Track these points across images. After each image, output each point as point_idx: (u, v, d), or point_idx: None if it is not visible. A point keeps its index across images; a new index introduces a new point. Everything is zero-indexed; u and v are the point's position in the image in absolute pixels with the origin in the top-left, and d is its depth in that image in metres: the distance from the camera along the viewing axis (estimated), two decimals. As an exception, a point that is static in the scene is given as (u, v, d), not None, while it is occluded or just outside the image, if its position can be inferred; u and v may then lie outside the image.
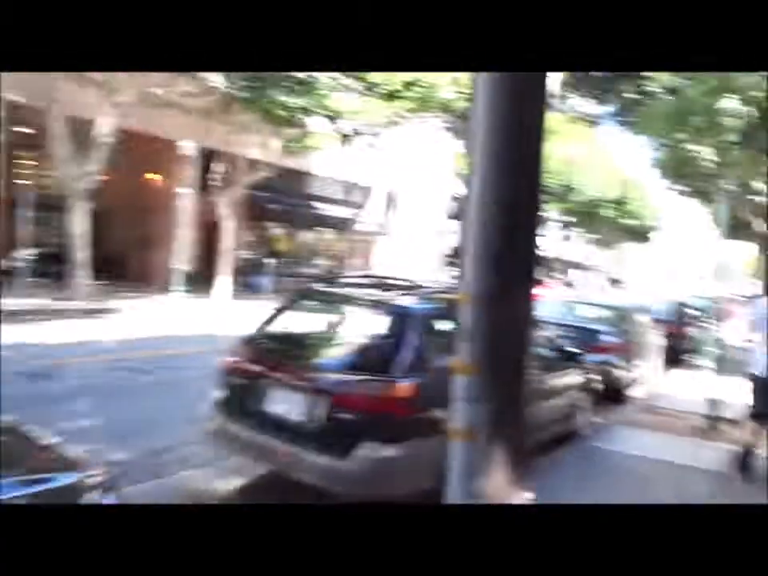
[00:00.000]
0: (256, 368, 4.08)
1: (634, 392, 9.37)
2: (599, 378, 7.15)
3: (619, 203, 34.09)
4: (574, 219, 33.59)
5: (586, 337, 8.69)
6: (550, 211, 29.95)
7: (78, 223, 13.82)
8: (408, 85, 15.62)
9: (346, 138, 17.75)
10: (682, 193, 21.33)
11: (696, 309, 17.00)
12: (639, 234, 41.42)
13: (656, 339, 11.04)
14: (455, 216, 26.23)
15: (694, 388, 9.81)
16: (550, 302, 10.61)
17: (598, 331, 8.74)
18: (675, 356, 13.71)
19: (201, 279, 17.90)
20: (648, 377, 10.67)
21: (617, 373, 8.60)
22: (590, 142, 30.75)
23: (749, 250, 24.86)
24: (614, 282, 43.65)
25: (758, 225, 17.03)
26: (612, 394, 8.48)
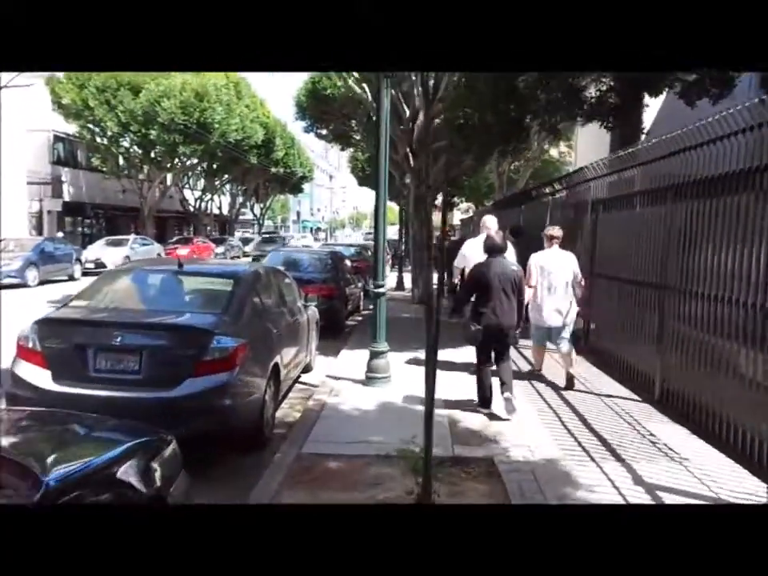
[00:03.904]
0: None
1: (276, 422, 5.76)
2: (212, 423, 4.02)
3: (267, 149, 31.11)
4: (214, 166, 29.26)
5: (183, 347, 4.64)
6: (185, 155, 25.17)
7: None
8: None
9: None
10: (321, 136, 19.47)
11: (349, 257, 14.67)
12: (291, 185, 39.61)
13: (311, 312, 7.58)
14: None
15: (367, 384, 6.56)
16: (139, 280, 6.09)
17: (207, 332, 4.71)
18: (337, 324, 10.78)
19: None
20: (307, 367, 7.20)
21: (245, 402, 4.78)
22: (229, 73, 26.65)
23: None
24: (268, 235, 41.10)
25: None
26: (240, 441, 4.72)
